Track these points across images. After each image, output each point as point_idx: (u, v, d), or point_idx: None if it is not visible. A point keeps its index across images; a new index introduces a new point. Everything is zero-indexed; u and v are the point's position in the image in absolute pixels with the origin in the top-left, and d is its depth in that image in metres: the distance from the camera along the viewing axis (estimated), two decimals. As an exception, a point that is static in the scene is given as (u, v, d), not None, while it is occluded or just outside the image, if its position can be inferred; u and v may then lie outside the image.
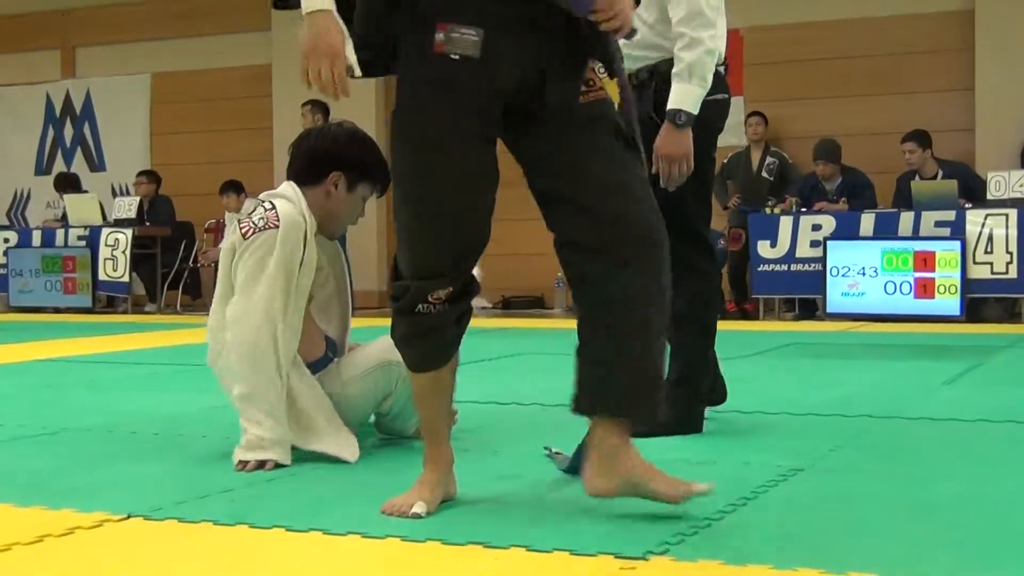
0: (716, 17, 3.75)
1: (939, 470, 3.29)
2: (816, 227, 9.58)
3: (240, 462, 3.30)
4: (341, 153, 3.61)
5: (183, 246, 12.42)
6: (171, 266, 12.30)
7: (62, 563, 2.39)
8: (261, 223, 3.41)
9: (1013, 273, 8.90)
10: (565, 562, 2.30)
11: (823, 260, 9.42)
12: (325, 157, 3.59)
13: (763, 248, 9.69)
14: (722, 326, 4.33)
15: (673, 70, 3.68)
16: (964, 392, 5.07)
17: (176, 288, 12.39)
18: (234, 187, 11.89)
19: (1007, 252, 8.93)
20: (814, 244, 9.52)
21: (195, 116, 13.50)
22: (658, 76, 3.79)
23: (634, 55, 3.74)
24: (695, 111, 3.66)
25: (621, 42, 2.95)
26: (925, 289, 9.13)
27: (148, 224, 12.27)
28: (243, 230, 3.42)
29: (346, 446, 3.46)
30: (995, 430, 3.97)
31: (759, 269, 9.72)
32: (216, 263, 11.74)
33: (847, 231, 9.47)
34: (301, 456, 3.39)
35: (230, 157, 12.92)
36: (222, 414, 4.16)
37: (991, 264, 9.00)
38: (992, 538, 2.50)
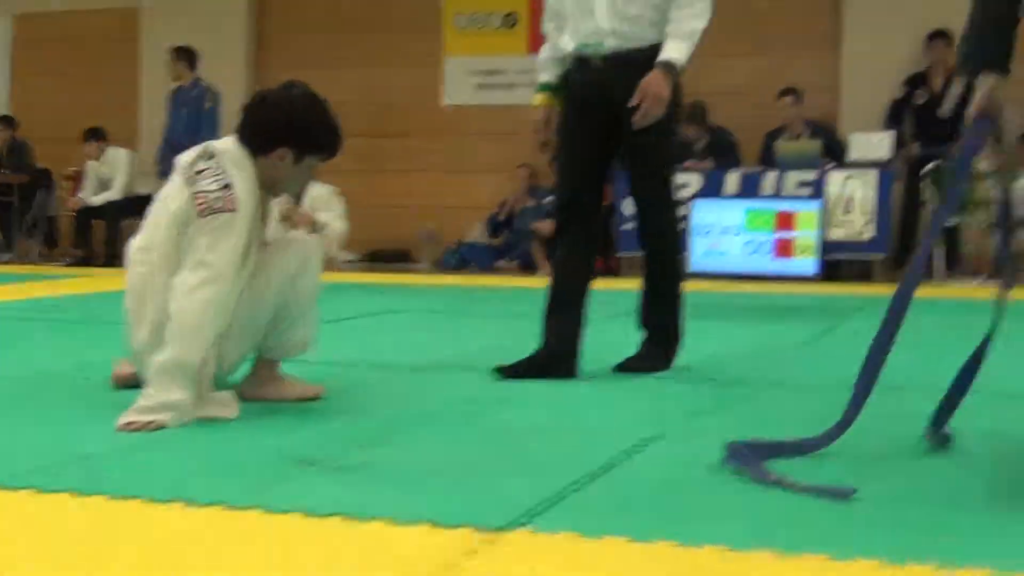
0: None
1: (801, 433, 3.24)
2: (683, 185, 9.71)
3: (127, 423, 3.27)
4: (290, 125, 3.59)
5: (40, 193, 12.14)
6: (27, 214, 12.02)
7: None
8: (218, 204, 3.42)
9: (869, 234, 9.16)
10: (427, 534, 2.31)
11: (687, 218, 9.55)
12: (274, 129, 3.58)
13: (627, 206, 9.76)
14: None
15: (675, 29, 4.35)
16: (820, 356, 5.16)
17: (32, 237, 12.10)
18: (96, 135, 11.64)
19: (864, 215, 9.17)
20: (679, 202, 9.64)
21: (58, 59, 13.14)
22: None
23: (634, 35, 4.39)
24: (684, 66, 4.37)
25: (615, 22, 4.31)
26: (784, 249, 9.35)
27: (5, 171, 11.93)
28: (199, 206, 3.42)
29: (226, 405, 3.50)
30: (845, 394, 4.02)
31: (623, 227, 9.80)
32: (76, 212, 11.58)
33: (712, 190, 9.62)
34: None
35: (93, 103, 12.60)
36: (84, 374, 4.10)
37: (851, 224, 9.24)
38: (842, 505, 2.56)
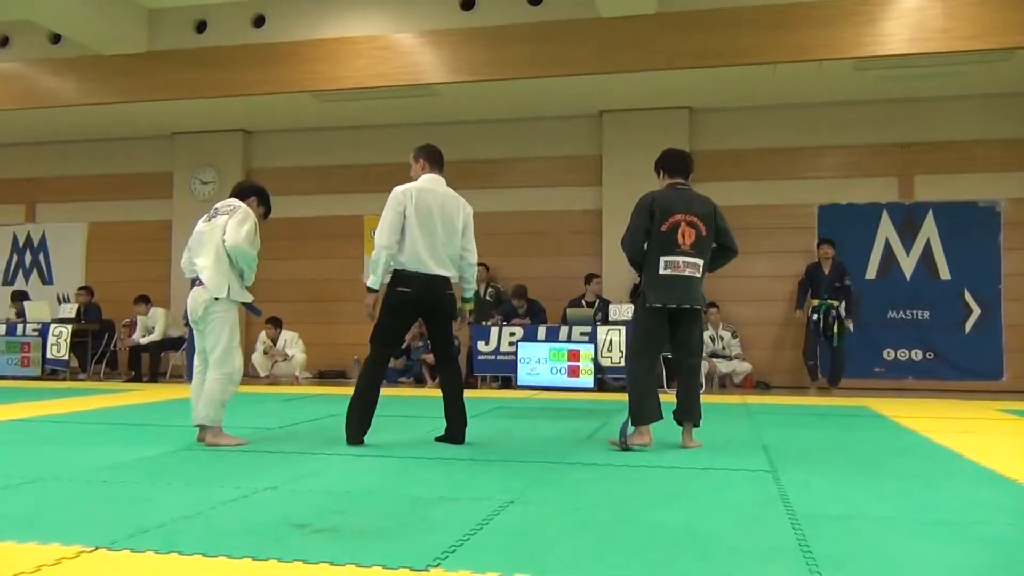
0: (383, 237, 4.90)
1: (593, 499, 3.30)
2: (512, 334, 9.91)
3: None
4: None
5: (106, 336, 11.72)
6: (97, 349, 11.56)
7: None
8: None
9: (623, 364, 9.43)
10: (381, 573, 2.28)
11: (516, 353, 9.72)
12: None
13: (481, 345, 9.93)
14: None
15: None
16: (601, 443, 5.01)
17: (100, 363, 11.63)
18: (144, 299, 11.32)
19: (620, 351, 9.46)
20: (511, 343, 9.82)
21: (117, 251, 12.82)
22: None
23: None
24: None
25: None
26: (574, 372, 9.55)
27: (83, 322, 11.50)
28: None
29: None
30: (621, 472, 3.98)
31: (479, 358, 9.94)
32: (130, 348, 11.17)
33: (530, 337, 9.81)
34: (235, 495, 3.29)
35: (142, 279, 12.33)
36: (150, 464, 3.98)
37: (611, 357, 9.51)
38: (635, 541, 2.61)
